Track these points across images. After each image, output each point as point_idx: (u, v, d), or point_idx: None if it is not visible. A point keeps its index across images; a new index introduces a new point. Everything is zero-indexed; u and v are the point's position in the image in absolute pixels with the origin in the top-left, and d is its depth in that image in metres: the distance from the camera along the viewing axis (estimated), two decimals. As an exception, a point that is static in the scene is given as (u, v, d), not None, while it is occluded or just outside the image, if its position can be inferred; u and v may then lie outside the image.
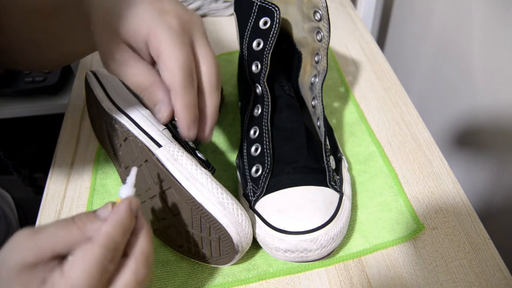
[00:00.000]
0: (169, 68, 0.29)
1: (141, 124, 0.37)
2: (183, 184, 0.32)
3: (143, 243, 0.26)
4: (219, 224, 0.31)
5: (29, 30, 0.37)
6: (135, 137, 0.36)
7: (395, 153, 0.45)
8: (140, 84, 0.31)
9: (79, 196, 0.43)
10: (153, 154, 0.34)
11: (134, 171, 0.29)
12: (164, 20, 0.30)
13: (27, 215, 0.70)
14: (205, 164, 0.36)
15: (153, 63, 0.32)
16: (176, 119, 0.32)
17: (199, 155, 0.36)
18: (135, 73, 0.31)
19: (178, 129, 0.33)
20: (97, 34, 0.32)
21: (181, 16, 0.31)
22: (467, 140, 0.57)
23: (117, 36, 0.30)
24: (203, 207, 0.31)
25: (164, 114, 0.32)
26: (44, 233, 0.24)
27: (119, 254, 0.25)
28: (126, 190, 0.28)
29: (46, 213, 0.42)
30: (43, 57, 0.40)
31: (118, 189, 0.43)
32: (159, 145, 0.35)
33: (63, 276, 0.23)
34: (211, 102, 0.33)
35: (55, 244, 0.24)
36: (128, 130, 0.36)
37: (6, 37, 0.37)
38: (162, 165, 0.33)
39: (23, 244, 0.24)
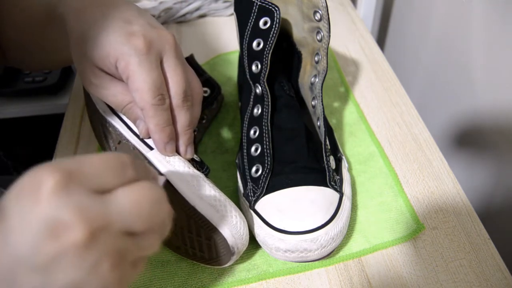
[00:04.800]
0: (138, 89, 0.30)
1: (133, 127, 0.37)
2: (175, 186, 0.32)
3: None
4: (213, 226, 0.31)
5: (26, 33, 0.38)
6: (127, 140, 0.36)
7: (395, 153, 0.45)
8: (118, 104, 0.33)
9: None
10: (145, 158, 0.34)
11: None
12: (131, 42, 0.30)
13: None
14: (199, 165, 0.36)
15: None
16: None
17: (193, 156, 0.36)
18: (112, 94, 0.32)
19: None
20: (74, 57, 0.33)
21: (148, 36, 0.31)
22: (467, 140, 0.57)
23: (90, 62, 0.31)
24: (195, 210, 0.31)
25: (142, 130, 0.34)
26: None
27: (140, 172, 0.23)
28: None
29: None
30: (39, 59, 0.41)
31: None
32: (151, 148, 0.35)
33: (81, 155, 0.21)
34: (181, 119, 0.33)
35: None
36: (121, 134, 0.36)
37: (7, 36, 0.38)
38: (154, 167, 0.33)
39: None
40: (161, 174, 0.33)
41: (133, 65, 0.30)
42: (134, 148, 0.35)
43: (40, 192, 0.18)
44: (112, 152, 0.26)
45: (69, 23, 0.33)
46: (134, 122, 0.34)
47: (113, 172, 0.21)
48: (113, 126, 0.37)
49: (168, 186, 0.32)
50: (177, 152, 0.35)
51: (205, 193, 0.32)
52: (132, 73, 0.30)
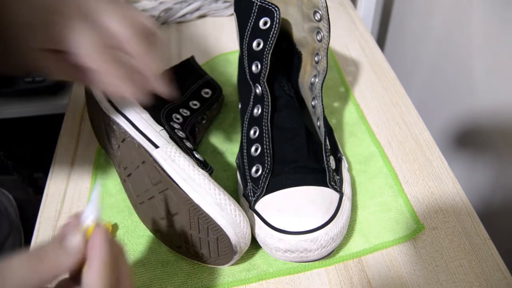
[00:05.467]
0: (83, 55, 0.30)
1: (139, 125, 0.37)
2: (180, 185, 0.32)
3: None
4: (217, 225, 0.31)
5: None
6: (132, 138, 0.36)
7: (395, 153, 0.45)
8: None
9: (79, 196, 0.43)
10: (150, 156, 0.34)
11: (98, 186, 0.26)
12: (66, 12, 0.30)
13: (27, 215, 0.70)
14: (203, 164, 0.36)
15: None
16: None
17: (196, 155, 0.36)
18: (61, 67, 0.32)
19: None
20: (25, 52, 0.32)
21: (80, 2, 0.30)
22: (467, 140, 0.57)
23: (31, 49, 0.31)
24: (200, 208, 0.31)
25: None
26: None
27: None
28: (93, 211, 0.24)
29: (46, 213, 0.42)
30: None
31: (117, 189, 0.43)
32: (156, 146, 0.35)
33: None
34: (139, 64, 0.32)
35: None
36: (126, 131, 0.36)
37: None
38: (159, 166, 0.33)
39: None
40: (165, 172, 0.33)
41: (73, 34, 0.29)
42: (139, 146, 0.35)
43: None
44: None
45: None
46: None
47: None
48: (118, 124, 0.37)
49: (171, 185, 0.32)
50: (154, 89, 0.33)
51: (210, 192, 0.32)
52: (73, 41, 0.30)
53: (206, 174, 0.33)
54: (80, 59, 0.30)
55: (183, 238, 0.34)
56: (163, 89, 0.33)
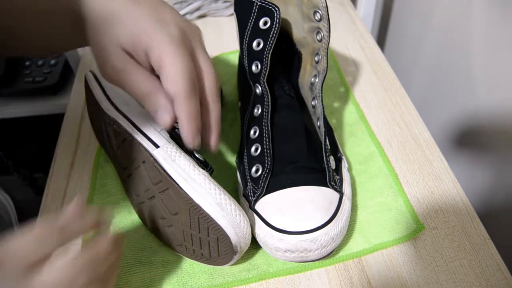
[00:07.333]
0: (172, 78, 0.29)
1: (139, 124, 0.37)
2: (180, 185, 0.32)
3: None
4: (217, 225, 0.31)
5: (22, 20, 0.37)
6: (133, 137, 0.36)
7: (395, 153, 0.45)
8: (141, 91, 0.31)
9: (79, 196, 0.43)
10: (151, 155, 0.34)
11: None
12: (166, 30, 0.29)
13: (27, 215, 0.70)
14: (203, 164, 0.36)
15: (151, 70, 0.32)
16: (180, 129, 0.32)
17: (197, 155, 0.36)
18: (136, 79, 0.31)
19: (183, 140, 0.33)
20: (94, 39, 0.31)
21: (181, 26, 0.31)
22: (467, 140, 0.57)
23: (115, 44, 0.30)
24: (201, 208, 0.31)
25: (166, 120, 0.32)
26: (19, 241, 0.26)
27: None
28: None
29: (46, 213, 0.42)
30: (30, 45, 0.41)
31: (117, 189, 0.43)
32: (157, 146, 0.35)
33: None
34: (214, 111, 0.33)
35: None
36: (126, 131, 0.36)
37: (6, 23, 0.37)
38: (160, 166, 0.33)
39: None
40: (165, 171, 0.33)
41: (167, 53, 0.29)
42: (140, 145, 0.35)
43: None
44: (39, 224, 0.28)
45: (88, 4, 0.31)
46: (155, 113, 0.32)
47: (36, 250, 0.25)
48: (118, 124, 0.37)
49: (172, 185, 0.32)
50: (205, 145, 0.34)
51: (210, 192, 0.32)
52: (167, 61, 0.29)
53: (206, 174, 0.33)
54: (166, 81, 0.30)
55: (183, 238, 0.34)
56: (214, 143, 0.34)
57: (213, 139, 0.34)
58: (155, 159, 0.33)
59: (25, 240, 0.25)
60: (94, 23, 0.31)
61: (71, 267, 0.26)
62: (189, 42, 0.31)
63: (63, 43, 0.40)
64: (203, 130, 0.33)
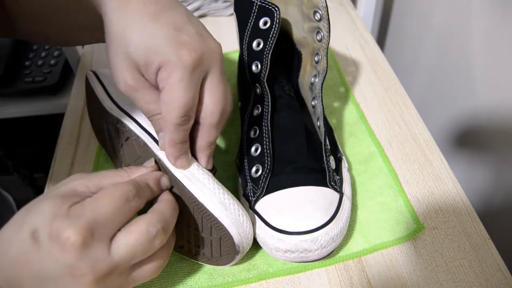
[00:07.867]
0: (167, 105, 0.30)
1: (143, 124, 0.37)
2: (185, 184, 0.32)
3: (167, 196, 0.32)
4: (221, 224, 0.31)
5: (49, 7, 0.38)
6: (138, 136, 0.36)
7: (395, 153, 0.45)
8: (149, 111, 0.32)
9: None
10: (155, 155, 0.34)
11: None
12: (179, 54, 0.29)
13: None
14: None
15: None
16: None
17: None
18: (146, 100, 0.31)
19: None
20: (110, 51, 0.31)
21: (198, 49, 0.29)
22: (467, 140, 0.57)
23: (130, 61, 0.30)
24: (204, 207, 0.31)
25: (161, 144, 0.33)
26: (97, 174, 0.30)
27: (145, 195, 0.30)
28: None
29: (46, 213, 0.42)
30: (52, 32, 0.41)
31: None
32: None
33: (92, 199, 0.27)
34: (210, 136, 0.33)
35: (103, 181, 0.30)
36: (131, 130, 0.36)
37: (22, 8, 0.38)
38: (164, 165, 0.33)
39: (76, 177, 0.30)
40: (169, 171, 0.33)
41: (173, 79, 0.29)
42: (145, 144, 0.35)
43: (66, 245, 0.24)
44: (113, 171, 0.30)
45: (108, 15, 0.30)
46: (157, 133, 0.33)
47: (120, 214, 0.27)
48: (122, 123, 0.37)
49: (176, 184, 0.32)
50: (197, 161, 0.34)
51: (214, 192, 0.32)
52: (168, 86, 0.29)
53: (210, 174, 0.33)
54: (163, 104, 0.30)
55: (185, 238, 0.34)
56: (203, 164, 0.34)
57: (202, 161, 0.34)
58: (159, 159, 0.34)
59: (113, 204, 0.27)
60: (111, 36, 0.30)
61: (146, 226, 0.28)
62: (204, 67, 0.30)
63: (87, 38, 0.42)
64: (195, 149, 0.34)
